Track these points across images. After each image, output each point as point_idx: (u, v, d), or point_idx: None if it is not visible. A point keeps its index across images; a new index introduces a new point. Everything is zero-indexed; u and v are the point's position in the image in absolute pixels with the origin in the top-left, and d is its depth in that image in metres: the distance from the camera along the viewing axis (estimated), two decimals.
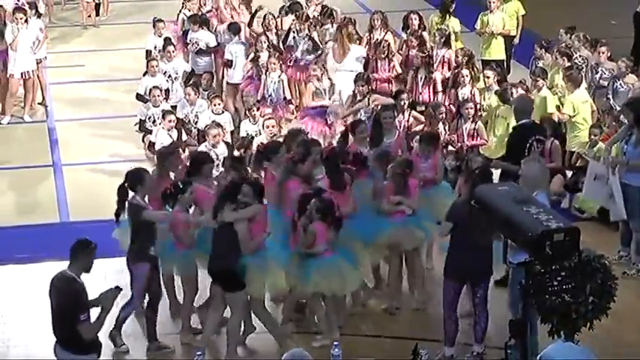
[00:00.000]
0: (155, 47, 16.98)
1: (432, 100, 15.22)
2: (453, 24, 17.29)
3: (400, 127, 13.78)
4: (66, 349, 8.82)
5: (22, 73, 16.73)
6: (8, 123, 16.90)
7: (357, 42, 16.23)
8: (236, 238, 10.18)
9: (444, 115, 14.19)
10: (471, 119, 14.23)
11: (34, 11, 17.32)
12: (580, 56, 15.87)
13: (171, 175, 11.46)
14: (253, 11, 17.25)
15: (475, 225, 9.46)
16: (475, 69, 15.49)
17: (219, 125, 14.08)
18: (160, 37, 16.99)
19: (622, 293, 7.96)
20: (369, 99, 14.51)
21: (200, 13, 17.47)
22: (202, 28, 16.91)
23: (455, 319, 10.42)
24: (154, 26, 17.19)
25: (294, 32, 16.44)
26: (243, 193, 10.35)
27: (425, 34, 16.56)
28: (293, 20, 16.69)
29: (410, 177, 11.32)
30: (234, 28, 16.80)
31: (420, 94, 15.28)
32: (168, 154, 11.69)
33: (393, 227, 11.19)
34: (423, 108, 15.04)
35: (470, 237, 9.94)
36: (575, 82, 14.54)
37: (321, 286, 10.54)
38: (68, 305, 8.74)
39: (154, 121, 15.14)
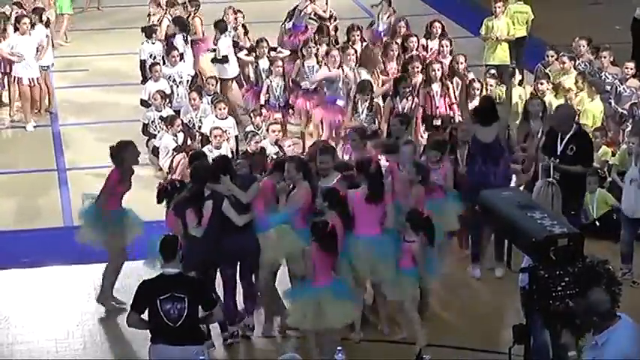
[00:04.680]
0: (151, 55, 17.00)
1: (447, 110, 14.87)
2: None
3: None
4: (199, 343, 8.88)
5: (29, 79, 16.73)
6: (13, 127, 16.94)
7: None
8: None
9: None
10: None
11: (37, 17, 17.32)
12: (582, 61, 15.91)
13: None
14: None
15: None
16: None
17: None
18: (153, 44, 17.03)
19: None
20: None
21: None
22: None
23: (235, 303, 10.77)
24: (148, 35, 17.19)
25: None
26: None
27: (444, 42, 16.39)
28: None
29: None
30: (221, 26, 16.95)
31: (437, 107, 14.78)
32: (125, 146, 11.65)
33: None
34: (440, 122, 14.71)
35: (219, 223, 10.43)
36: (597, 87, 14.54)
37: (302, 323, 10.33)
38: (210, 292, 9.12)
39: (158, 126, 15.16)
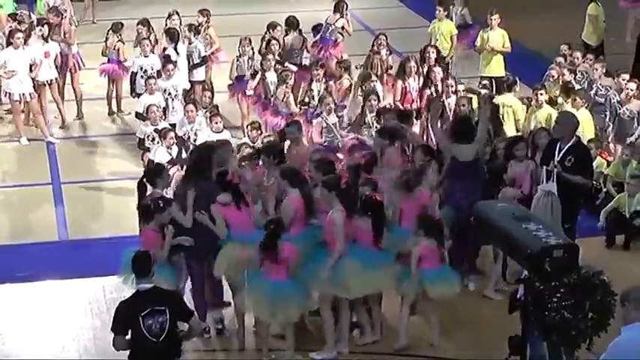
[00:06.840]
0: (142, 68, 17.02)
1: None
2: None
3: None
4: (177, 357, 8.82)
5: (20, 95, 16.66)
6: (10, 141, 16.91)
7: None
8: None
9: None
10: None
11: (39, 28, 17.25)
12: (579, 71, 15.92)
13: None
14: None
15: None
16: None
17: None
18: (146, 57, 17.06)
19: None
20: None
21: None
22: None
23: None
24: (141, 46, 17.26)
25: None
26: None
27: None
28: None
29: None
30: (194, 29, 17.28)
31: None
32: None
33: None
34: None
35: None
36: (580, 97, 14.53)
37: (260, 311, 10.45)
38: (186, 307, 9.03)
39: (153, 139, 15.14)
